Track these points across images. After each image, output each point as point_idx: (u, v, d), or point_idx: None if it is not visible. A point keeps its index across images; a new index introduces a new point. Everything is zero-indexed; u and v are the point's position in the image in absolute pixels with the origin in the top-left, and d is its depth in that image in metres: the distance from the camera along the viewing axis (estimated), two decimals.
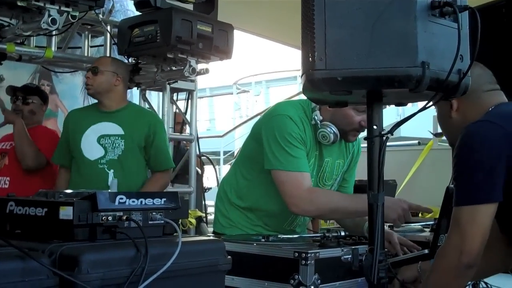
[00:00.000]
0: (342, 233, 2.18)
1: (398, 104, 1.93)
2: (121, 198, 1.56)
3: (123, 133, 3.53)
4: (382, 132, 1.72)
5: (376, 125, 1.73)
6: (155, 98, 5.03)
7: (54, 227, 1.52)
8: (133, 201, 1.58)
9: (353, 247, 1.93)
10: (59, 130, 5.41)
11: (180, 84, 4.48)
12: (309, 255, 1.91)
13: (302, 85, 1.76)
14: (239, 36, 4.85)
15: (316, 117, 2.50)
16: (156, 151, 3.60)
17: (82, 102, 5.61)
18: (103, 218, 1.52)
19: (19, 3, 3.04)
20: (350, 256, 1.94)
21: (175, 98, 4.70)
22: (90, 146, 3.53)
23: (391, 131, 1.73)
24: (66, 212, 1.49)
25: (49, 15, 3.08)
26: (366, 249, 1.65)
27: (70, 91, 5.55)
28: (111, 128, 3.55)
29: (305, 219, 2.72)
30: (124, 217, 1.55)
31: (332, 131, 2.47)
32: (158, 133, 3.61)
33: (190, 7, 3.87)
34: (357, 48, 1.61)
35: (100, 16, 4.16)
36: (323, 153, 2.59)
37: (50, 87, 5.41)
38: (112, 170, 3.48)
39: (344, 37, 1.61)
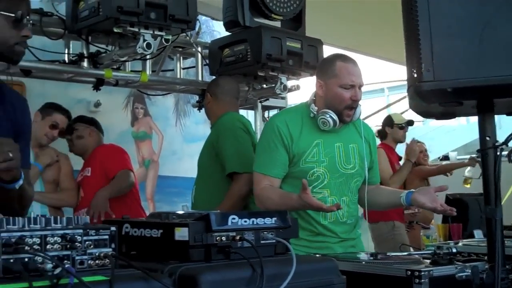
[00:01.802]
0: (454, 250, 2.10)
1: (510, 113, 1.86)
2: (233, 218, 1.57)
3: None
4: (496, 144, 1.65)
5: (489, 136, 1.67)
6: (246, 116, 5.06)
7: (170, 248, 1.54)
8: (245, 221, 1.59)
9: (471, 264, 1.85)
10: (153, 151, 5.59)
11: (271, 101, 4.51)
12: (422, 273, 1.84)
13: (409, 98, 1.72)
14: (327, 51, 4.82)
15: (312, 109, 2.70)
16: (220, 156, 3.32)
17: (175, 123, 5.74)
18: (217, 238, 1.53)
19: (115, 30, 3.16)
20: (464, 274, 1.87)
21: (266, 115, 4.73)
22: None
23: (505, 142, 1.66)
24: (181, 233, 1.51)
25: (144, 40, 3.17)
26: (486, 266, 1.58)
27: (163, 113, 5.69)
28: None
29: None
30: (238, 237, 1.55)
31: (329, 115, 2.65)
32: (221, 136, 3.35)
33: (278, 24, 3.89)
34: (466, 57, 1.56)
35: (191, 38, 4.24)
36: (329, 140, 2.71)
37: (144, 109, 5.57)
38: (195, 186, 3.49)
39: (452, 47, 1.57)
